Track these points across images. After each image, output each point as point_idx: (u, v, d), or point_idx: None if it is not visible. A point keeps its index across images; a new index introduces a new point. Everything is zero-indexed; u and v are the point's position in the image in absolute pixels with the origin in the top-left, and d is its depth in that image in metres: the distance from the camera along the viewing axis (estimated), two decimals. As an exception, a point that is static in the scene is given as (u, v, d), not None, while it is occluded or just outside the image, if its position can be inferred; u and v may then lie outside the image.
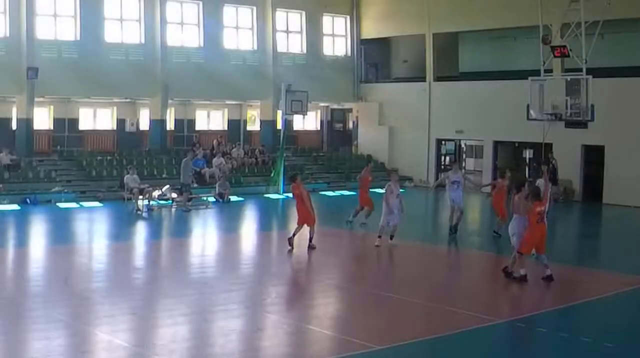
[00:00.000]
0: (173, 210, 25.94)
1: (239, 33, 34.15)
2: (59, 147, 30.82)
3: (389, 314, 12.81)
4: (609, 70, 28.08)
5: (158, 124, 31.77)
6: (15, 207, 25.11)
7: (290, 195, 28.46)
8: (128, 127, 32.93)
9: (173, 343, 10.89)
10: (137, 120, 33.25)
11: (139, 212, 24.57)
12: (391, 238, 18.75)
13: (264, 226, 24.95)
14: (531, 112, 28.18)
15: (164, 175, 29.26)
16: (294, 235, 18.10)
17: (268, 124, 34.99)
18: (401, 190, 19.82)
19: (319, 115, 39.12)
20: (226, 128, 35.96)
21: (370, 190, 22.35)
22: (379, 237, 18.51)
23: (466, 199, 21.55)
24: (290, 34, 35.93)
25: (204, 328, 11.94)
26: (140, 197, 25.03)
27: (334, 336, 11.54)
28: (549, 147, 28.83)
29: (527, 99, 28.28)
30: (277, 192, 29.98)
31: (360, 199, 22.19)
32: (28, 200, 25.83)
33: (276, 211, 27.75)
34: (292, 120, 34.96)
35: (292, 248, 17.85)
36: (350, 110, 38.78)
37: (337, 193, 31.95)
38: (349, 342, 11.02)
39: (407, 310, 13.20)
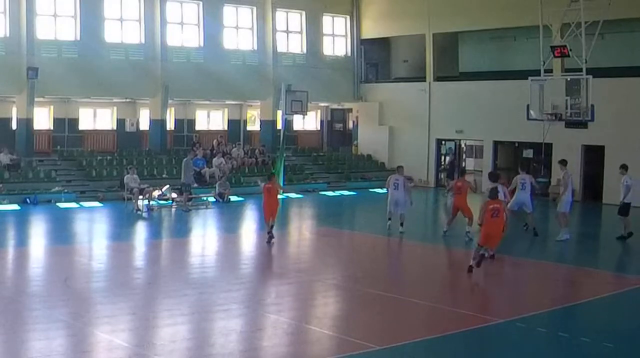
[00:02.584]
0: (173, 210, 25.96)
1: (239, 33, 34.13)
2: (59, 147, 30.83)
3: (389, 314, 12.82)
4: (609, 70, 28.08)
5: (158, 124, 31.78)
6: (15, 207, 25.12)
7: (291, 195, 28.81)
8: (128, 127, 32.94)
9: (173, 343, 10.89)
10: (137, 120, 33.25)
11: (139, 212, 24.58)
12: (401, 225, 20.64)
13: (263, 226, 24.85)
14: (531, 112, 28.16)
15: (164, 175, 29.27)
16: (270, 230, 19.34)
17: (268, 124, 35.00)
18: None
19: (319, 115, 39.12)
20: (226, 128, 35.97)
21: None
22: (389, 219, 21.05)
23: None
24: (290, 34, 35.92)
25: (204, 328, 11.95)
26: (140, 197, 25.05)
27: (334, 336, 11.54)
28: (549, 146, 28.87)
29: (527, 99, 28.26)
30: (277, 192, 29.91)
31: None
32: (28, 200, 25.85)
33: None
34: (292, 120, 34.97)
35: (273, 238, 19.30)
36: (350, 110, 38.77)
37: (337, 193, 31.98)
38: (349, 342, 11.03)
39: (407, 310, 13.19)
